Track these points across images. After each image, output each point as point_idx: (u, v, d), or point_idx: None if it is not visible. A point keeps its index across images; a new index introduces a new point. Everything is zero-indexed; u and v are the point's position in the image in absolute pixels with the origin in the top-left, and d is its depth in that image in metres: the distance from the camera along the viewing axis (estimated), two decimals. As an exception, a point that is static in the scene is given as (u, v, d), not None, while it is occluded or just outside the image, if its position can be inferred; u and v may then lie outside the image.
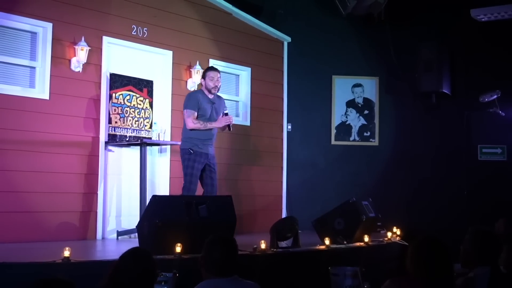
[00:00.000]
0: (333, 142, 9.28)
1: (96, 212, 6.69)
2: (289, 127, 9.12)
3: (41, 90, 6.42)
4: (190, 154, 6.24)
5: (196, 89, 7.84)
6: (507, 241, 4.32)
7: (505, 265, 3.57)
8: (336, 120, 9.31)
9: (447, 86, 8.81)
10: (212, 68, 6.59)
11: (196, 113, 6.28)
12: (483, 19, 8.15)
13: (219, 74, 6.47)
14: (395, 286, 2.92)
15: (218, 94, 6.61)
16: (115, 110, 6.95)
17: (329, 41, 9.30)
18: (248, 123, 8.60)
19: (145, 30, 7.35)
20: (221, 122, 6.39)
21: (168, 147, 7.46)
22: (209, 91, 6.40)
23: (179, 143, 7.18)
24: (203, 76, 6.48)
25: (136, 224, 5.44)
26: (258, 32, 8.79)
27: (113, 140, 6.91)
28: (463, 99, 8.91)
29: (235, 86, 8.69)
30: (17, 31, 6.39)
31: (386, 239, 6.82)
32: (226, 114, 6.43)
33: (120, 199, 7.07)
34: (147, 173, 6.83)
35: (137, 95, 7.17)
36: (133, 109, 7.12)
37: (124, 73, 7.12)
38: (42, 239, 6.15)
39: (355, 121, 9.32)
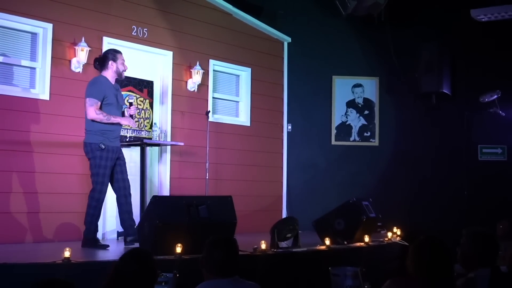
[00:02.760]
0: (333, 142, 9.28)
1: (97, 213, 6.68)
2: (289, 127, 9.12)
3: (42, 91, 6.42)
4: (101, 150, 5.57)
5: (195, 90, 7.84)
6: None
7: (510, 264, 3.57)
8: (336, 120, 9.31)
9: (447, 87, 8.82)
10: (119, 51, 5.93)
11: (100, 103, 5.60)
12: (483, 19, 8.14)
13: None
14: (395, 286, 2.92)
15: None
16: (115, 110, 6.93)
17: (329, 41, 9.30)
18: (248, 124, 8.60)
19: (145, 30, 7.35)
20: (129, 121, 5.81)
21: (169, 147, 7.46)
22: (119, 76, 5.81)
23: (180, 143, 7.21)
24: (113, 59, 5.75)
25: (136, 225, 5.43)
26: (258, 32, 8.79)
27: (113, 140, 6.88)
28: (464, 100, 8.91)
29: (235, 86, 8.69)
30: (17, 32, 6.39)
31: (387, 239, 6.82)
32: (131, 104, 5.90)
33: (121, 200, 7.05)
34: (148, 174, 6.82)
35: (137, 96, 7.17)
36: (133, 110, 7.10)
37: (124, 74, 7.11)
38: (42, 239, 6.15)
39: (355, 121, 9.32)
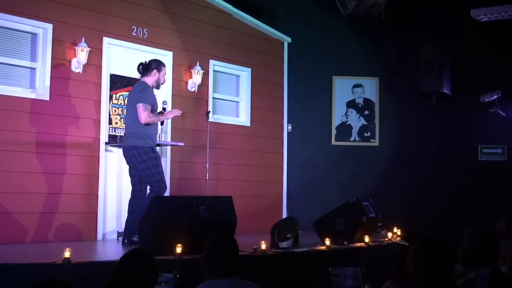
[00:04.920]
0: (333, 142, 9.28)
1: (97, 213, 6.69)
2: (290, 127, 9.12)
3: (42, 91, 6.42)
4: (153, 152, 5.89)
5: (195, 90, 7.84)
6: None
7: (510, 265, 3.57)
8: (336, 121, 9.31)
9: (447, 87, 8.82)
10: (165, 64, 6.30)
11: (151, 108, 5.90)
12: (483, 19, 8.15)
13: None
14: (395, 287, 2.92)
15: None
16: (115, 111, 6.96)
17: (329, 41, 9.30)
18: (248, 124, 8.60)
19: (145, 31, 7.35)
20: (171, 113, 6.19)
21: (168, 148, 7.46)
22: (157, 86, 6.11)
23: (180, 144, 7.20)
24: (158, 69, 6.07)
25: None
26: (259, 32, 8.79)
27: (114, 140, 6.91)
28: (464, 99, 8.91)
29: (236, 86, 8.69)
30: (17, 32, 6.39)
31: (387, 239, 6.82)
32: (164, 110, 6.25)
33: (121, 200, 7.06)
34: (148, 174, 6.82)
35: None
36: (133, 110, 7.11)
37: (124, 74, 7.13)
38: (42, 240, 6.15)
39: (356, 121, 9.32)
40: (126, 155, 5.96)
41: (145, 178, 5.89)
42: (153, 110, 5.92)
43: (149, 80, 6.01)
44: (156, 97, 6.11)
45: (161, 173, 5.89)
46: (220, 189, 7.82)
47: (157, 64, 6.08)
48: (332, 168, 9.18)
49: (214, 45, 8.16)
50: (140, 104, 5.79)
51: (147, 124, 5.84)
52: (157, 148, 6.14)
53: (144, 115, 5.78)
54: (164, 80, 6.14)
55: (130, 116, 5.92)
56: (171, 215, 5.05)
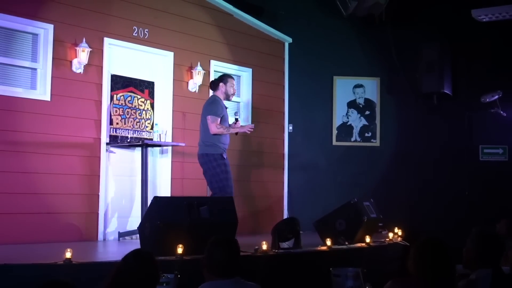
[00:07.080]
0: (334, 142, 9.27)
1: (98, 213, 6.69)
2: (291, 128, 9.12)
3: (43, 92, 6.42)
4: (223, 159, 6.31)
5: (196, 90, 7.86)
6: None
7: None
8: (337, 121, 9.30)
9: (448, 87, 8.81)
10: (232, 76, 6.83)
11: (219, 119, 6.34)
12: (484, 20, 8.15)
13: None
14: (396, 287, 2.92)
15: None
16: (116, 111, 6.96)
17: (330, 41, 9.30)
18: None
19: (146, 31, 7.36)
20: (242, 129, 6.52)
21: (169, 148, 7.46)
22: (227, 97, 6.60)
23: (181, 144, 7.22)
24: (223, 81, 6.56)
25: (137, 225, 5.44)
26: (259, 33, 8.79)
27: (115, 141, 6.91)
28: (465, 100, 8.91)
29: (237, 87, 8.66)
30: (18, 33, 6.39)
31: (388, 239, 6.81)
32: (237, 120, 6.59)
33: (122, 200, 7.07)
34: (149, 174, 6.83)
35: (138, 96, 7.18)
36: (134, 110, 7.12)
37: (125, 74, 7.13)
38: (43, 240, 6.15)
39: (357, 121, 9.32)
40: (199, 162, 6.41)
41: (209, 184, 6.32)
42: (223, 120, 6.38)
43: (219, 93, 6.54)
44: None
45: (228, 179, 6.29)
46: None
47: (224, 78, 6.62)
48: (333, 169, 9.17)
49: (215, 45, 8.17)
50: (209, 117, 6.31)
51: (216, 134, 6.30)
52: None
53: (212, 126, 6.29)
54: (233, 91, 6.63)
55: (201, 126, 6.45)
56: (172, 215, 5.05)
